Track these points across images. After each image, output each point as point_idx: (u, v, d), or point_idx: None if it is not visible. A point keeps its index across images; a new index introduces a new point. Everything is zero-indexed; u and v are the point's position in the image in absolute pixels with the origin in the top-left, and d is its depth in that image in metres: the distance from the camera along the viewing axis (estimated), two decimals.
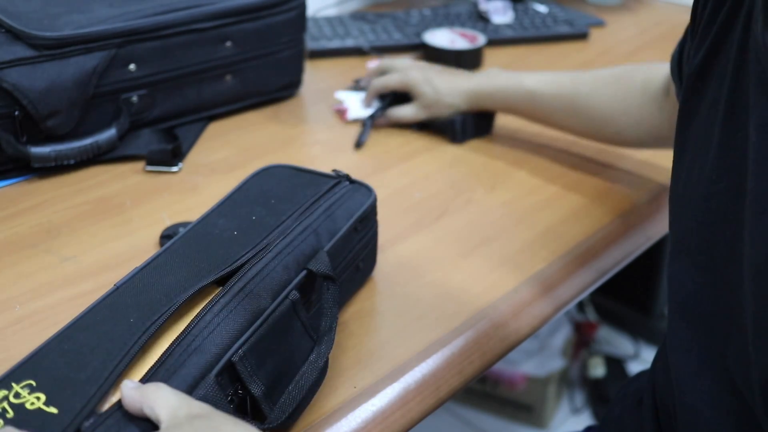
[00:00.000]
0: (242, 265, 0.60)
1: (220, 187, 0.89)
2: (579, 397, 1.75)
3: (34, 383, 0.50)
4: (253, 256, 0.61)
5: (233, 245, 0.63)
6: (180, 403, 0.49)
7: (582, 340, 1.78)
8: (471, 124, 1.00)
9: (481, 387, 1.68)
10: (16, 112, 0.85)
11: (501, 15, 1.38)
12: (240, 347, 0.55)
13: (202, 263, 0.60)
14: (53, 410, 0.48)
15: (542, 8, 1.44)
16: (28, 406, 0.48)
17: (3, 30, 0.88)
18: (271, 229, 0.64)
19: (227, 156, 0.96)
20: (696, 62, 0.59)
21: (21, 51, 0.85)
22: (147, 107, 0.96)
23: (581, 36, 1.36)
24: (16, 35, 0.87)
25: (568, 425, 1.69)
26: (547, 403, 1.66)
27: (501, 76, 0.97)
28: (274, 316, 0.58)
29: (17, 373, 0.51)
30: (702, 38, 0.59)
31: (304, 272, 0.62)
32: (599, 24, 1.42)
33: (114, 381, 0.50)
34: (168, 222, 0.81)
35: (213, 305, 0.57)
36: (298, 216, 0.66)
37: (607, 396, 1.68)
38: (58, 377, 0.50)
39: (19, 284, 0.73)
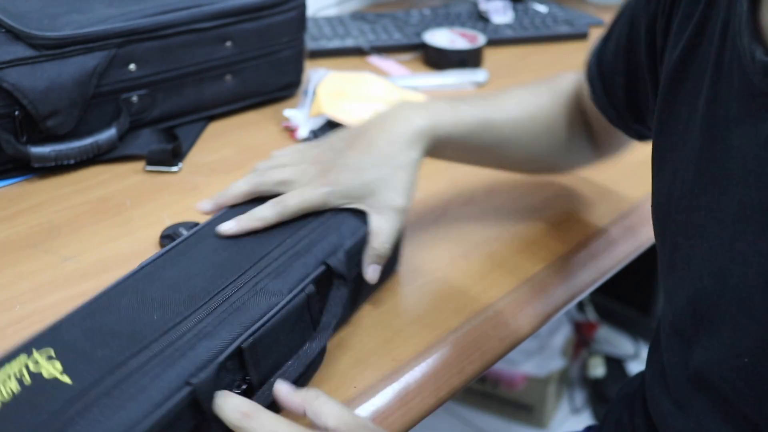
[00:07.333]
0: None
1: (220, 187, 0.88)
2: (579, 397, 1.75)
3: (53, 353, 0.52)
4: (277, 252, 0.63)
5: (259, 245, 0.63)
6: (345, 413, 0.52)
7: (582, 340, 1.78)
8: None
9: (481, 387, 1.68)
10: (16, 112, 0.85)
11: (501, 15, 1.38)
12: (251, 335, 0.56)
13: (228, 264, 0.61)
14: (67, 380, 0.50)
15: (542, 8, 1.44)
16: (44, 374, 0.50)
17: (3, 30, 0.88)
18: (297, 228, 0.65)
19: (227, 156, 0.96)
20: (670, 68, 0.59)
21: (21, 51, 0.85)
22: (147, 107, 0.96)
23: (581, 36, 1.36)
24: (16, 35, 0.87)
25: (568, 425, 1.69)
26: (547, 403, 1.66)
27: (438, 107, 0.72)
28: (288, 308, 0.59)
29: (38, 341, 0.53)
30: (674, 44, 0.59)
31: (322, 267, 0.63)
32: (599, 24, 1.42)
33: (128, 365, 0.52)
34: (168, 222, 0.81)
35: (230, 296, 0.58)
36: (320, 213, 0.67)
37: (607, 396, 1.68)
38: (76, 350, 0.52)
39: (19, 284, 0.73)
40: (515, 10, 1.42)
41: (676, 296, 0.57)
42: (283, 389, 0.54)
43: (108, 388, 0.50)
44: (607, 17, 1.44)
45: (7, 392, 0.49)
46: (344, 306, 0.64)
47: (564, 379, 1.73)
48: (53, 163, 0.89)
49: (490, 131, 0.75)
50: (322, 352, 0.61)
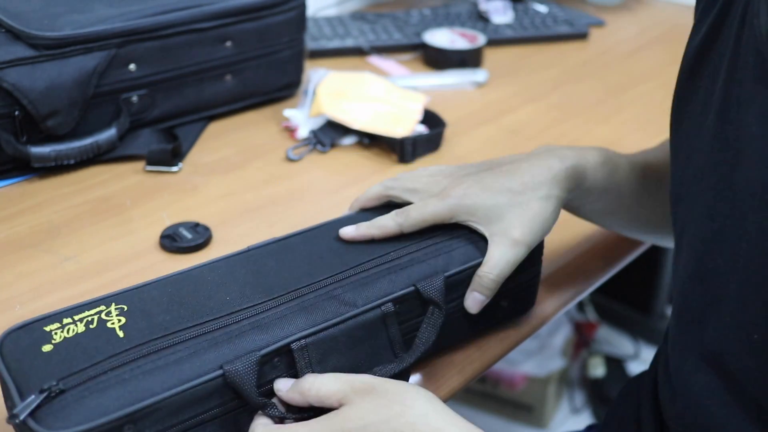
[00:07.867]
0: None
1: (219, 186, 0.89)
2: (579, 397, 1.75)
3: (125, 308, 0.55)
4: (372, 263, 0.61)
5: (361, 253, 0.62)
6: (341, 385, 0.53)
7: (582, 340, 1.78)
8: (422, 142, 0.96)
9: (481, 387, 1.68)
10: (16, 112, 0.85)
11: (501, 15, 1.38)
12: (305, 337, 0.55)
13: (322, 265, 0.61)
14: (121, 334, 0.53)
15: (542, 8, 1.44)
16: (108, 324, 0.54)
17: (3, 30, 0.88)
18: (407, 243, 0.63)
19: (227, 156, 0.96)
20: (690, 54, 0.59)
21: (21, 51, 0.85)
22: (147, 107, 0.96)
23: (581, 36, 1.36)
24: (16, 35, 0.87)
25: (567, 425, 1.69)
26: (547, 403, 1.66)
27: (585, 149, 0.70)
28: (356, 321, 0.57)
29: (122, 296, 0.56)
30: (696, 31, 0.59)
31: (410, 289, 0.60)
32: (599, 24, 1.42)
33: (176, 336, 0.53)
34: (168, 222, 0.82)
35: (302, 295, 0.58)
36: (440, 233, 0.64)
37: (607, 396, 1.68)
38: (143, 310, 0.55)
39: (19, 284, 0.73)
40: (515, 10, 1.42)
41: (683, 277, 0.57)
42: (281, 388, 0.54)
43: (149, 351, 0.52)
44: (607, 17, 1.45)
45: (73, 332, 0.53)
46: (438, 333, 0.60)
47: (564, 379, 1.73)
48: (53, 163, 0.89)
49: (633, 172, 0.71)
50: (400, 375, 0.59)
